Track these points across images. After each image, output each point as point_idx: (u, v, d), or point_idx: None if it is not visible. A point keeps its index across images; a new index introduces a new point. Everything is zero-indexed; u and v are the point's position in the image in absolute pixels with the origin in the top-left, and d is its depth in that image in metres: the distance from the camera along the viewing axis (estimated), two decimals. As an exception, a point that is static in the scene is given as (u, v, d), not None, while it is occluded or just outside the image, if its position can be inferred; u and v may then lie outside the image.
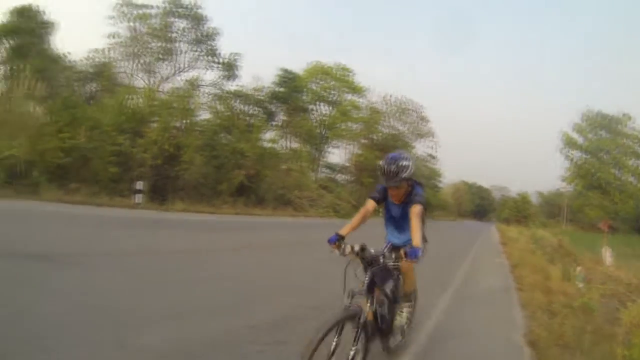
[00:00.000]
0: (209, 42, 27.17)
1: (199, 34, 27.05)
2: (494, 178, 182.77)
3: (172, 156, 19.38)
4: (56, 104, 17.70)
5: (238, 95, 26.66)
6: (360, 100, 39.50)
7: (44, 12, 24.07)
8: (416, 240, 3.15)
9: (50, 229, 8.84)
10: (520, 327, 5.34)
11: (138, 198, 17.12)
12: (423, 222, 3.52)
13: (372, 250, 3.20)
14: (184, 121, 21.20)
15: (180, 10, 26.72)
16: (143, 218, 13.26)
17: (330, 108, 37.13)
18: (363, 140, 40.11)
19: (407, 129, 45.92)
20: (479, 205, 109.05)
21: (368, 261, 3.16)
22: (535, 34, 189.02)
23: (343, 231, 3.34)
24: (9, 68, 21.91)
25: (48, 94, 19.56)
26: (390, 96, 43.60)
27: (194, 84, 25.89)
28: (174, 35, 26.80)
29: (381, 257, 3.16)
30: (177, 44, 26.89)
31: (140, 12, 26.54)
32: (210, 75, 27.61)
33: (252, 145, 22.61)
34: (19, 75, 19.31)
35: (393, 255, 3.18)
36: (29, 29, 23.47)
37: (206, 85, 27.23)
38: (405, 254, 2.97)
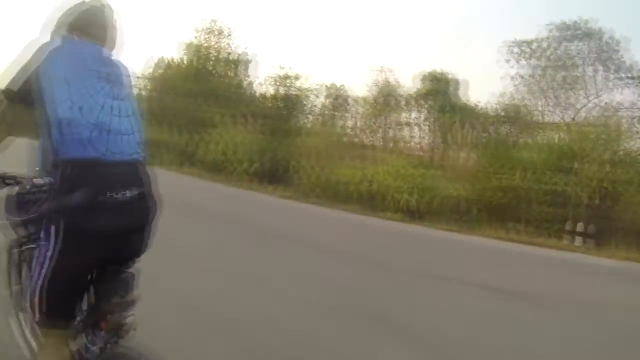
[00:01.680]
0: (613, 57, 23.48)
1: (600, 51, 23.88)
2: None
3: (610, 194, 17.36)
4: (488, 148, 19.50)
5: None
6: None
7: (449, 73, 26.73)
8: None
9: (497, 265, 9.19)
10: None
11: (578, 241, 15.91)
12: None
13: None
14: (618, 153, 18.51)
15: (568, 32, 24.42)
16: (589, 263, 12.16)
17: None
18: None
19: None
20: None
21: None
22: None
23: None
24: (431, 124, 25.16)
25: (472, 141, 21.42)
26: None
27: (611, 109, 22.69)
28: (574, 61, 24.63)
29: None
30: (580, 69, 24.49)
31: (532, 47, 25.85)
32: (627, 95, 23.17)
33: None
34: (442, 128, 22.27)
35: None
36: (442, 89, 26.28)
37: (626, 108, 22.81)
38: None
